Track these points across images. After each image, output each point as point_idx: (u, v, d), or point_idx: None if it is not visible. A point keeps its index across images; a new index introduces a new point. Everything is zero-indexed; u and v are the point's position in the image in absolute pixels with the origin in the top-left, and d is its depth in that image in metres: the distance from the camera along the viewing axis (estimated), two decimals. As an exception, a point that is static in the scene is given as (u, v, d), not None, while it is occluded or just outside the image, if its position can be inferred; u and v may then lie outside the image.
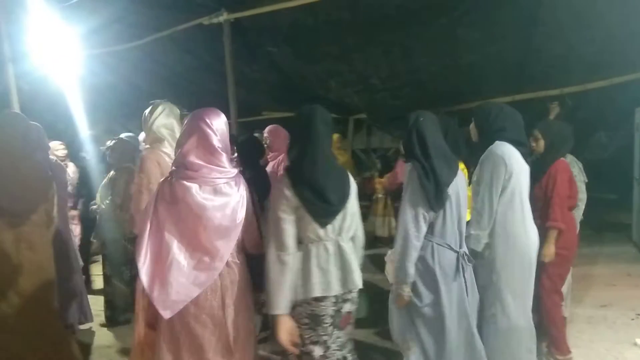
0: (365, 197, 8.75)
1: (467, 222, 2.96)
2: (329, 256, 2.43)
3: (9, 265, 2.94)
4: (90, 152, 5.54)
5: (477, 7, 5.22)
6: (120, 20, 5.92)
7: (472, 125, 3.21)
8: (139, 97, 7.33)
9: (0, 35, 5.23)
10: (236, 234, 2.32)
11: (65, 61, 6.28)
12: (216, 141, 2.29)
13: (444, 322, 2.68)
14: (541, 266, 3.21)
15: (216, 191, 2.28)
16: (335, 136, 7.47)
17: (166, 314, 2.19)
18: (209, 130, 2.29)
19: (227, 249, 2.29)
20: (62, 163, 5.88)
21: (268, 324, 4.08)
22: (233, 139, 4.16)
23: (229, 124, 7.07)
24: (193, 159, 2.27)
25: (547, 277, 3.36)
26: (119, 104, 8.36)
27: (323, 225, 2.40)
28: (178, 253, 2.21)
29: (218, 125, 2.33)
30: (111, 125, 8.05)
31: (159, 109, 3.24)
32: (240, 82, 6.38)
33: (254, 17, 5.97)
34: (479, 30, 5.50)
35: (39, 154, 3.31)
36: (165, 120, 3.23)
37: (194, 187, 2.24)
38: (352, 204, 2.51)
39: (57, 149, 5.71)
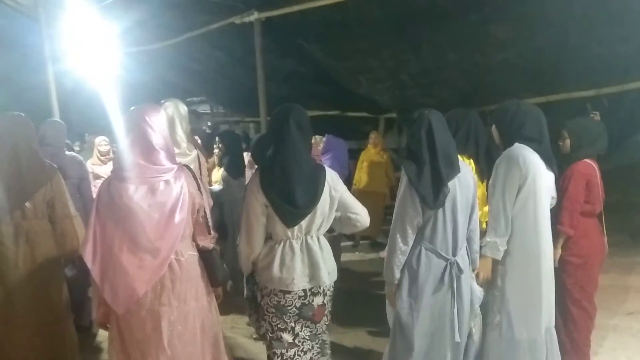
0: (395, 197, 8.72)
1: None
2: (294, 254, 2.52)
3: (7, 259, 2.95)
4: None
5: (508, 4, 5.12)
6: (154, 19, 6.10)
7: (493, 128, 3.11)
8: (174, 94, 7.50)
9: (41, 36, 5.48)
10: (177, 231, 2.30)
11: (104, 59, 6.51)
12: (154, 139, 2.27)
13: (413, 330, 2.61)
14: (558, 275, 3.09)
15: (153, 190, 2.26)
16: (374, 134, 7.41)
17: (119, 310, 2.26)
18: (147, 128, 2.26)
19: (168, 246, 2.29)
20: (106, 158, 6.08)
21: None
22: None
23: (259, 122, 7.17)
24: (129, 157, 2.25)
25: (564, 287, 3.23)
26: (155, 101, 8.61)
27: (290, 225, 2.49)
28: (120, 253, 2.23)
29: (157, 122, 2.30)
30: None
31: (165, 105, 3.34)
32: (271, 78, 6.45)
33: (285, 15, 6.04)
34: (510, 28, 5.38)
35: (49, 149, 3.44)
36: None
37: (130, 187, 2.24)
38: (324, 203, 2.53)
39: (101, 144, 5.90)
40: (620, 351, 3.69)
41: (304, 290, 2.55)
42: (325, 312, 2.68)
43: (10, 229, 2.96)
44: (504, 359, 2.88)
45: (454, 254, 2.63)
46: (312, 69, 7.30)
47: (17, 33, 6.63)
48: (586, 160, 3.36)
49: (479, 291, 2.79)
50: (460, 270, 2.63)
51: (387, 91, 7.18)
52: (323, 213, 2.55)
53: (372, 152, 7.11)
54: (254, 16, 6.11)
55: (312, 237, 2.56)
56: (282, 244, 2.54)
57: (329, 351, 2.80)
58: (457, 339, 2.63)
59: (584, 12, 4.99)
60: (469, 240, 2.75)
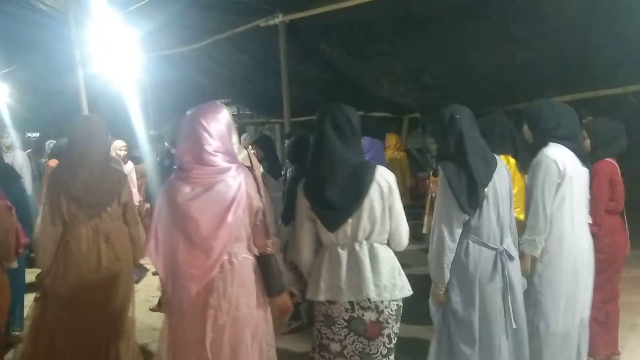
0: (419, 197, 8.70)
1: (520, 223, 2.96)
2: (340, 261, 2.38)
3: (88, 256, 3.11)
4: (145, 152, 5.94)
5: (529, 4, 5.10)
6: (179, 20, 6.24)
7: (525, 128, 3.16)
8: (201, 97, 7.68)
9: (71, 41, 5.69)
10: (230, 231, 2.28)
11: (131, 63, 6.71)
12: (210, 142, 2.28)
13: (473, 321, 2.65)
14: None
15: (209, 190, 2.26)
16: (394, 137, 7.57)
17: (175, 308, 2.33)
18: (203, 133, 2.28)
19: (221, 246, 2.27)
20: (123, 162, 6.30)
21: (299, 315, 4.27)
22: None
23: (282, 123, 7.29)
24: (186, 159, 2.31)
25: None
26: (184, 103, 8.81)
27: (332, 230, 2.37)
28: (177, 252, 2.27)
29: (214, 125, 2.31)
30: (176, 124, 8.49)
31: None
32: (295, 81, 6.56)
33: (308, 18, 6.13)
34: (532, 28, 5.35)
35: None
36: None
37: (187, 187, 2.26)
38: (373, 206, 2.37)
39: (120, 148, 6.10)
40: (638, 351, 3.67)
41: (350, 303, 2.37)
42: (385, 333, 2.43)
43: (90, 232, 3.13)
44: (535, 351, 2.92)
45: (502, 243, 2.69)
46: (334, 75, 7.37)
47: (47, 39, 6.89)
48: (607, 159, 3.43)
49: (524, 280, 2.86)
50: (510, 257, 2.70)
51: (409, 93, 7.21)
52: (372, 217, 2.37)
53: (388, 153, 7.38)
54: (279, 19, 6.21)
55: (360, 244, 2.38)
56: (329, 251, 2.43)
57: None
58: (514, 325, 2.67)
59: (608, 8, 4.93)
60: (511, 228, 2.82)
